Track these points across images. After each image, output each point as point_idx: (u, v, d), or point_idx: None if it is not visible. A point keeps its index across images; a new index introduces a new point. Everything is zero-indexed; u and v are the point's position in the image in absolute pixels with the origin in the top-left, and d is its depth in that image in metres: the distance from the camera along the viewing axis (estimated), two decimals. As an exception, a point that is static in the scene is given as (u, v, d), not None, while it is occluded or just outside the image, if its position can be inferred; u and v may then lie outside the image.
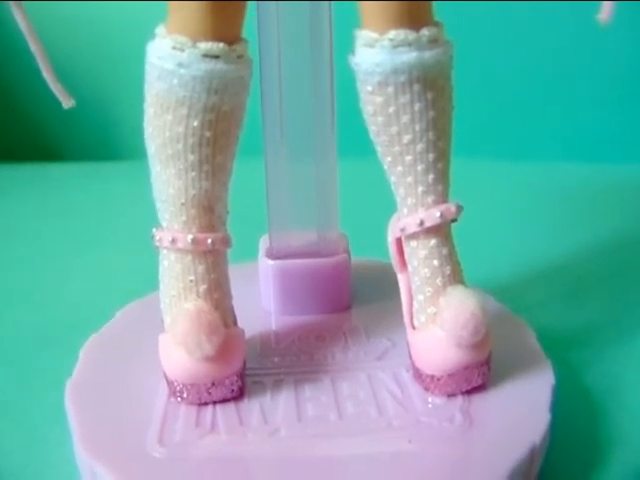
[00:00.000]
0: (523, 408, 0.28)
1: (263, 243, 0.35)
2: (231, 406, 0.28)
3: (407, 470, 0.25)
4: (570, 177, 0.62)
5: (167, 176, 0.28)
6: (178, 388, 0.28)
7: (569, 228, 0.52)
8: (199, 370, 0.28)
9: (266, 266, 0.34)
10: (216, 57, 0.26)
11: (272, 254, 0.34)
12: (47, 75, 0.28)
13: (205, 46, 0.26)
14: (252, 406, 0.28)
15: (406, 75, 0.26)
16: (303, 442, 0.27)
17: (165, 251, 0.29)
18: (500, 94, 0.70)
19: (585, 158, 0.65)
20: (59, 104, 0.29)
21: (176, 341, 0.27)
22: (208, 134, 0.27)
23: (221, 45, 0.26)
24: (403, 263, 0.29)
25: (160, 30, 0.27)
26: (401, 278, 0.30)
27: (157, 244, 0.29)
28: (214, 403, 0.28)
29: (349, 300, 0.35)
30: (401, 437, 0.27)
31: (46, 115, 0.71)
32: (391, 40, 0.26)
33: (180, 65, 0.26)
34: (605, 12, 0.26)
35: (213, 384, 0.28)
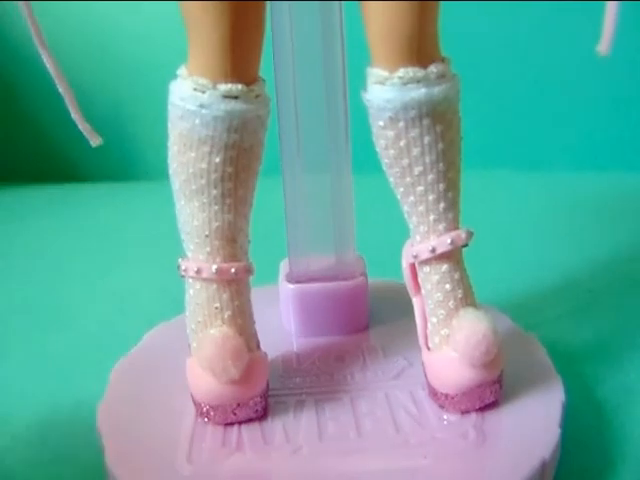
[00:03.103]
0: (534, 424, 0.29)
1: (283, 267, 0.36)
2: (255, 426, 0.30)
3: None
4: (581, 188, 0.63)
5: (191, 209, 0.29)
6: (205, 409, 0.30)
7: (580, 241, 0.53)
8: (225, 392, 0.29)
9: (286, 290, 0.35)
10: (235, 97, 0.28)
11: (292, 278, 0.35)
12: (75, 116, 0.30)
13: (225, 87, 0.28)
14: (275, 425, 0.30)
15: (415, 110, 0.28)
16: (324, 459, 0.28)
17: (190, 280, 0.30)
18: (511, 105, 0.70)
19: (596, 168, 0.65)
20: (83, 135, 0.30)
21: (203, 366, 0.29)
22: (230, 169, 0.29)
23: (240, 86, 0.28)
24: (417, 287, 0.31)
25: (181, 71, 0.29)
26: (415, 301, 0.31)
27: (183, 274, 0.30)
28: (239, 423, 0.30)
29: (367, 321, 0.37)
30: (417, 453, 0.28)
31: (67, 137, 0.73)
32: (400, 78, 0.27)
33: (202, 106, 0.28)
34: (604, 45, 0.27)
35: (238, 405, 0.29)
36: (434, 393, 0.30)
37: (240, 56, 0.28)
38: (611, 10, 0.27)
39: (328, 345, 0.35)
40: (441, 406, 0.30)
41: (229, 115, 0.28)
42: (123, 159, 0.76)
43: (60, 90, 0.30)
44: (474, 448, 0.28)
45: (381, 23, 0.27)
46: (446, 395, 0.30)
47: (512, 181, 0.65)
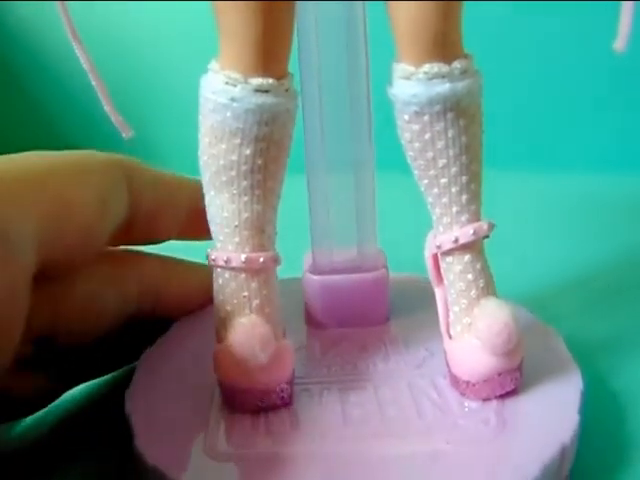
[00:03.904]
0: (553, 410, 0.30)
1: (306, 260, 0.37)
2: (282, 412, 0.31)
3: (445, 468, 0.27)
4: (598, 187, 0.63)
5: (221, 201, 0.30)
6: (232, 397, 0.30)
7: (598, 238, 0.53)
8: (252, 379, 0.30)
9: (310, 281, 0.36)
10: (266, 91, 0.29)
11: (315, 270, 0.36)
12: (107, 107, 0.31)
13: (256, 82, 0.29)
14: (301, 412, 0.31)
15: (440, 105, 0.29)
16: (350, 444, 0.29)
17: (219, 270, 0.31)
18: (525, 104, 0.71)
19: (616, 168, 0.65)
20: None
21: (231, 352, 0.30)
22: (259, 161, 0.29)
23: (270, 80, 0.29)
24: (440, 277, 0.31)
25: (213, 66, 0.30)
26: (438, 291, 0.32)
27: (212, 263, 0.31)
28: (265, 410, 0.31)
29: (388, 313, 0.37)
30: (440, 439, 0.29)
31: (82, 132, 0.73)
32: (426, 73, 0.28)
33: (233, 99, 0.29)
34: (621, 41, 0.28)
35: (265, 392, 0.30)
36: (455, 381, 0.31)
37: (271, 51, 0.29)
38: (628, 6, 0.28)
39: (350, 336, 0.36)
40: (462, 393, 0.31)
41: (260, 108, 0.29)
42: (137, 155, 0.76)
43: (93, 82, 0.30)
44: (495, 434, 0.29)
45: (407, 19, 0.28)
46: (467, 383, 0.30)
47: (532, 180, 0.65)
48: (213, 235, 0.31)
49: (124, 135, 0.31)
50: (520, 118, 0.70)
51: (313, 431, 0.29)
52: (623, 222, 0.56)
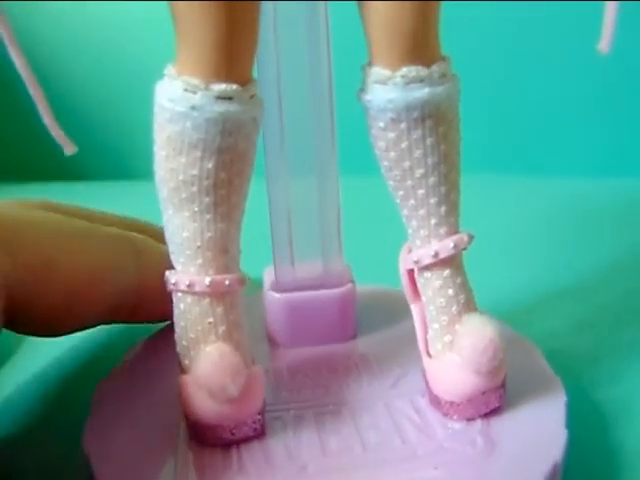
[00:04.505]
0: (540, 426, 0.29)
1: (268, 276, 0.35)
2: (255, 445, 0.28)
3: None
4: (581, 194, 0.62)
5: (181, 219, 0.27)
6: (200, 431, 0.28)
7: (580, 248, 0.52)
8: (223, 412, 0.27)
9: (273, 300, 0.34)
10: (230, 98, 0.26)
11: (278, 288, 0.34)
12: (47, 121, 0.28)
13: (218, 88, 0.26)
14: (276, 443, 0.28)
15: (418, 111, 0.27)
16: (332, 476, 0.27)
17: (180, 294, 0.28)
18: (512, 105, 0.70)
19: (600, 174, 0.65)
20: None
21: (199, 384, 0.27)
22: (223, 175, 0.27)
23: (234, 86, 0.26)
24: (416, 293, 0.30)
25: (169, 71, 0.27)
26: (414, 308, 0.30)
27: (172, 288, 0.28)
28: (237, 443, 0.28)
29: (355, 329, 0.35)
30: (427, 464, 0.27)
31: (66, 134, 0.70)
32: (403, 77, 0.26)
33: (193, 108, 0.26)
34: (605, 43, 0.27)
35: (236, 425, 0.28)
36: (437, 401, 0.29)
37: (235, 55, 0.26)
38: (610, 8, 0.27)
39: (317, 356, 0.34)
40: (445, 414, 0.29)
41: (222, 117, 0.26)
42: (118, 157, 0.73)
43: (31, 92, 0.27)
44: (484, 456, 0.27)
45: (382, 20, 0.26)
46: (451, 403, 0.29)
47: (510, 185, 0.64)
48: (172, 257, 0.28)
49: (66, 151, 0.28)
50: (503, 122, 0.69)
51: (290, 465, 0.27)
52: (609, 234, 0.55)
